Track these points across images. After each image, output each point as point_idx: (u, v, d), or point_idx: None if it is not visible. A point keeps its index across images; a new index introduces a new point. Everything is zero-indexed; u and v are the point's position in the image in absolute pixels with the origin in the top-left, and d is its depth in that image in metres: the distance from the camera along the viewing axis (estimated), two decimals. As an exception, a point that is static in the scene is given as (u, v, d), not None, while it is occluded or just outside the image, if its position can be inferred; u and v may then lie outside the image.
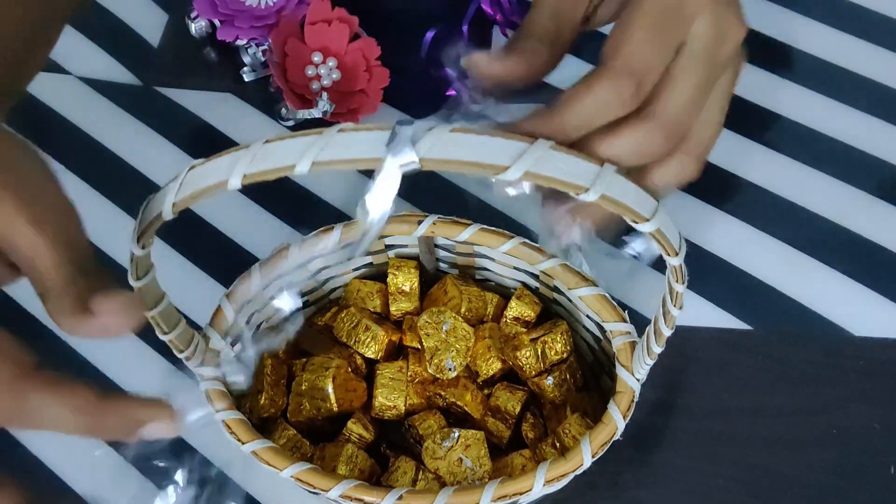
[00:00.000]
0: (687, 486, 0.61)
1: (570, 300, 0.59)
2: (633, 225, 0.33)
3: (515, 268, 0.61)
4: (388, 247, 0.63)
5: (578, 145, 0.33)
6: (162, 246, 0.70)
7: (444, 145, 0.28)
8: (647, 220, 0.33)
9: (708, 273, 0.69)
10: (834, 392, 0.64)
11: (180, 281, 0.68)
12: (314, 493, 0.52)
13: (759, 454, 0.62)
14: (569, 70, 0.79)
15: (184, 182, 0.33)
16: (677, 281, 0.39)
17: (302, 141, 0.30)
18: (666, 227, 0.34)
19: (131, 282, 0.40)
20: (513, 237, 0.58)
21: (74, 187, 0.74)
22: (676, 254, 0.36)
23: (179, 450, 0.63)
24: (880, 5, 0.83)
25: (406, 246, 0.63)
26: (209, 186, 0.31)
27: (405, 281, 0.63)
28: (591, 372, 0.63)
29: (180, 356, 0.51)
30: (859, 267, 0.68)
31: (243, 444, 0.51)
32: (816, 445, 0.62)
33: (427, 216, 0.59)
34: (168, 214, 0.34)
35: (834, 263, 0.69)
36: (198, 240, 0.72)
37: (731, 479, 0.61)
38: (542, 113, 0.34)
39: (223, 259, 0.71)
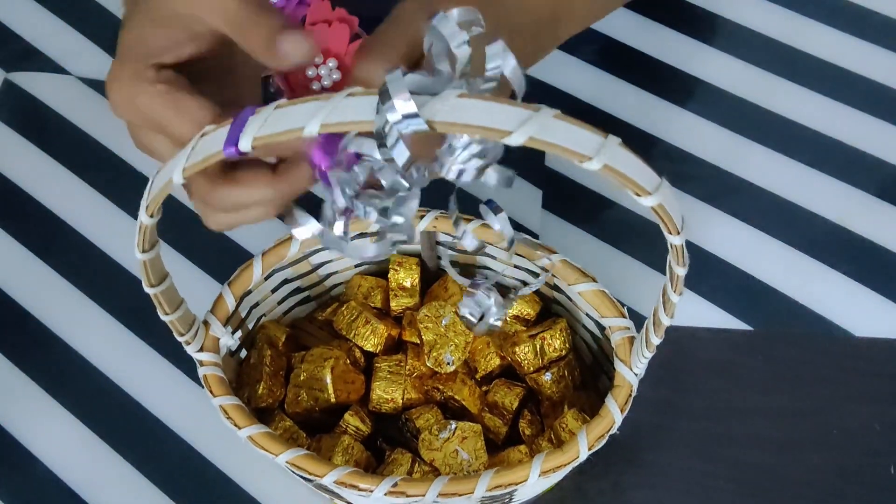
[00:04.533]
0: (687, 486, 0.61)
1: (570, 298, 0.59)
2: (636, 198, 0.33)
3: (516, 266, 0.61)
4: (389, 243, 0.63)
5: None
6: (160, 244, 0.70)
7: (451, 109, 0.29)
8: (650, 194, 0.33)
9: (708, 273, 0.69)
10: (834, 392, 0.64)
11: (178, 278, 0.68)
12: (309, 479, 0.51)
13: (759, 454, 0.62)
14: (570, 70, 0.80)
15: (195, 148, 0.33)
16: (678, 263, 0.39)
17: (311, 105, 0.30)
18: (668, 202, 0.34)
19: (137, 255, 0.40)
20: (516, 234, 0.58)
21: (74, 187, 0.74)
22: (679, 232, 0.36)
23: (180, 452, 0.63)
24: (880, 5, 0.83)
25: (406, 242, 0.63)
26: (220, 151, 0.32)
27: (406, 277, 0.63)
28: (591, 373, 0.63)
29: (180, 339, 0.51)
30: (859, 267, 0.69)
31: (240, 429, 0.51)
32: (816, 446, 0.62)
33: (429, 211, 0.59)
34: (179, 179, 0.34)
35: (834, 264, 0.69)
36: (196, 238, 0.72)
37: (731, 479, 0.61)
38: None
39: (221, 256, 0.71)
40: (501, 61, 0.32)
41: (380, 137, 0.29)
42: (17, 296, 0.69)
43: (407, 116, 0.28)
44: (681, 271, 0.39)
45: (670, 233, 0.36)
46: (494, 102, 0.29)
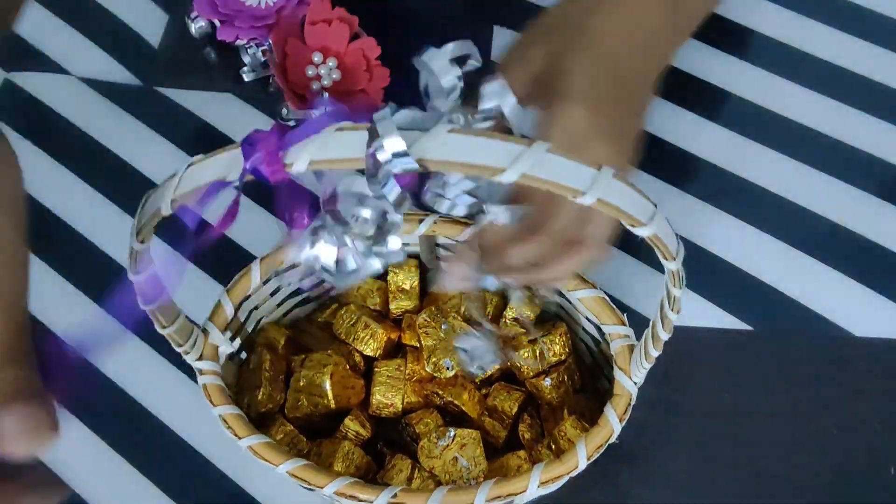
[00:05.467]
0: (687, 487, 0.61)
1: (570, 301, 0.59)
2: (630, 229, 0.33)
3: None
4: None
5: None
6: (158, 243, 0.70)
7: (441, 146, 0.28)
8: (644, 225, 0.32)
9: (708, 273, 0.69)
10: (834, 392, 0.64)
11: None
12: (310, 489, 0.52)
13: (759, 454, 0.62)
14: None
15: (182, 178, 0.33)
16: (675, 285, 0.39)
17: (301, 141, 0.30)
18: (663, 231, 0.34)
19: (130, 276, 0.40)
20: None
21: (75, 187, 0.74)
22: (674, 258, 0.36)
23: (180, 452, 0.63)
24: (880, 5, 0.83)
25: (407, 244, 0.63)
26: (208, 183, 0.31)
27: (405, 279, 0.63)
28: (590, 373, 0.63)
29: (178, 350, 0.51)
30: (859, 267, 0.68)
31: (240, 439, 0.51)
32: (816, 446, 0.62)
33: (429, 215, 0.59)
34: (167, 210, 0.34)
35: (834, 263, 0.69)
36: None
37: (731, 478, 0.61)
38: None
39: (220, 257, 0.71)
40: (500, 100, 0.32)
41: (370, 174, 0.29)
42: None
43: (396, 155, 0.28)
44: (677, 293, 0.39)
45: (665, 259, 0.36)
46: (485, 138, 0.29)
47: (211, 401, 0.53)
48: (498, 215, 0.34)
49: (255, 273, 0.58)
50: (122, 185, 0.74)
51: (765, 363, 0.65)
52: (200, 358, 0.54)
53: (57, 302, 0.69)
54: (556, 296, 0.60)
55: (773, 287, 0.68)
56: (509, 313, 0.62)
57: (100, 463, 0.63)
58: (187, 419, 0.64)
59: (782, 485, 0.61)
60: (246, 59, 0.80)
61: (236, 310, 0.57)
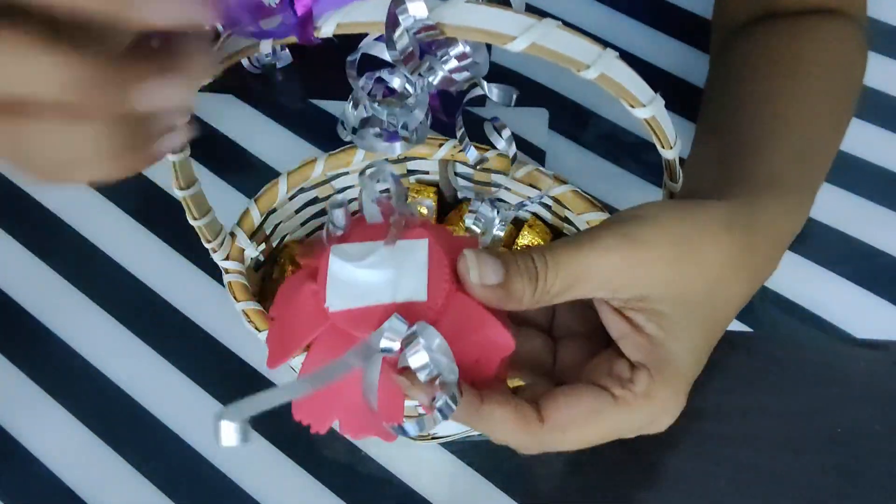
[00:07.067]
0: (687, 487, 0.61)
1: (579, 229, 0.61)
2: (630, 110, 0.35)
3: (529, 198, 0.64)
4: (410, 172, 0.66)
5: None
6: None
7: (459, 12, 0.31)
8: (644, 106, 0.35)
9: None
10: (834, 394, 0.64)
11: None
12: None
13: (759, 455, 0.62)
14: (572, 78, 0.79)
15: (225, 44, 0.36)
16: (671, 178, 0.41)
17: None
18: (661, 116, 0.36)
19: (169, 156, 0.43)
20: (528, 164, 0.60)
21: (74, 187, 0.75)
22: (671, 147, 0.38)
23: (180, 452, 0.64)
24: (880, 12, 0.83)
25: (427, 172, 0.66)
26: (246, 47, 0.35)
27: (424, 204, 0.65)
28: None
29: (207, 246, 0.54)
30: (860, 269, 0.69)
31: (260, 332, 0.54)
32: (817, 447, 0.62)
33: (448, 140, 0.61)
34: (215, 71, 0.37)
35: (834, 266, 0.69)
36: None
37: (731, 479, 0.61)
38: None
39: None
40: None
41: (390, 40, 0.32)
42: (17, 296, 0.70)
43: (418, 19, 0.31)
44: (675, 187, 0.42)
45: (663, 147, 0.38)
46: (500, 9, 0.32)
47: (235, 297, 0.56)
48: (491, 92, 0.37)
49: (283, 186, 0.60)
50: (121, 185, 0.73)
51: (765, 365, 0.65)
52: (227, 258, 0.57)
53: (58, 302, 0.69)
54: (566, 223, 0.63)
55: (773, 289, 0.69)
56: (521, 241, 0.64)
57: (100, 463, 0.63)
58: (187, 419, 0.64)
59: (782, 486, 0.61)
60: (244, 61, 0.81)
61: (262, 221, 0.60)
